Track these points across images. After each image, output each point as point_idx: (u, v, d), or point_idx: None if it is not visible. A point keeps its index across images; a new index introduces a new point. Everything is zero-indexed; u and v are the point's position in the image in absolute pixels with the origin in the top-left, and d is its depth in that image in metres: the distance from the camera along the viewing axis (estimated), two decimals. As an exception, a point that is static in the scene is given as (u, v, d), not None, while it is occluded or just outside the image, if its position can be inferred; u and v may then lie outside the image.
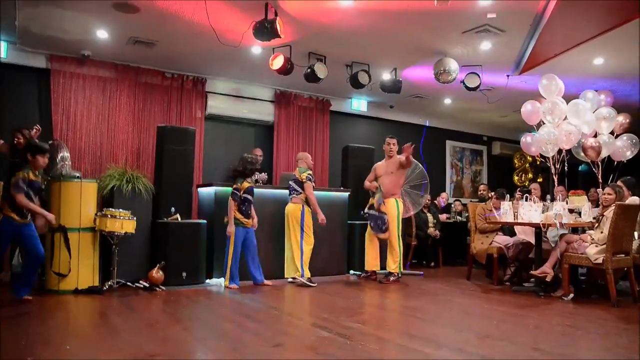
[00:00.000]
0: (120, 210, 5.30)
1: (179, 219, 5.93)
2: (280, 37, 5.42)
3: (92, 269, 5.26)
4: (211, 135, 8.06)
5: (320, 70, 6.71)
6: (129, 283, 5.46)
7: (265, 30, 5.32)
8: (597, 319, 4.39)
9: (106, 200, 5.73)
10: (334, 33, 6.08)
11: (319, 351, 3.21)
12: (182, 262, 5.75)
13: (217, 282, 5.96)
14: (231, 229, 5.68)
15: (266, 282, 5.95)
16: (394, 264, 6.38)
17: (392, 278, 6.36)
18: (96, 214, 5.25)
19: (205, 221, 6.11)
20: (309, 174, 6.11)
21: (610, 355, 3.32)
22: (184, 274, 5.75)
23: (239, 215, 5.75)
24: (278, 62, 6.45)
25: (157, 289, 5.39)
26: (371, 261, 6.61)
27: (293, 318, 4.41)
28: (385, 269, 6.54)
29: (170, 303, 4.82)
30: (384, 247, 6.56)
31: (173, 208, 6.00)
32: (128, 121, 7.22)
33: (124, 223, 5.25)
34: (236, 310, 4.70)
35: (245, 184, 5.82)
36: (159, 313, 4.46)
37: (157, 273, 5.47)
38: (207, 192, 6.49)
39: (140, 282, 5.52)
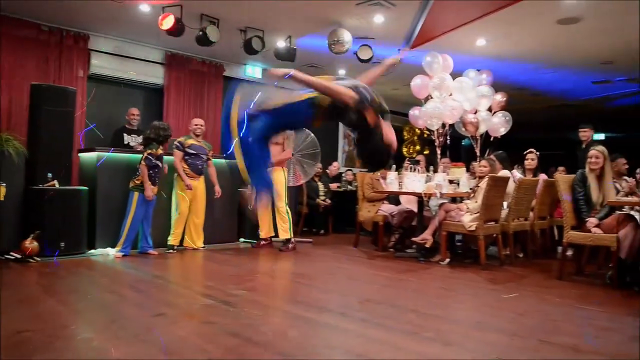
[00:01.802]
0: (-14, 175, 4.84)
1: (57, 186, 5.53)
2: (169, -5, 5.15)
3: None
4: (95, 97, 7.52)
5: (213, 33, 6.49)
6: (-3, 255, 5.04)
7: (153, -14, 5.02)
8: (469, 281, 4.75)
9: (-31, 165, 5.20)
10: (227, -5, 5.88)
11: (201, 319, 3.19)
12: (61, 232, 5.36)
13: (102, 252, 5.66)
14: (149, 192, 5.56)
15: (152, 251, 5.77)
16: (285, 231, 6.45)
17: (290, 245, 6.42)
18: (-43, 179, 4.76)
19: (86, 188, 5.75)
20: (178, 141, 6.08)
21: (477, 314, 3.62)
22: (62, 244, 5.37)
23: (147, 182, 5.57)
24: (168, 23, 6.15)
25: (31, 260, 5.02)
26: (265, 228, 6.64)
27: (178, 287, 4.32)
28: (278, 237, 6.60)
29: (45, 275, 4.51)
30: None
31: (50, 174, 5.55)
32: (-5, 77, 6.50)
33: (-10, 189, 4.80)
34: (119, 280, 4.52)
35: (159, 151, 5.66)
36: (32, 286, 4.16)
37: (31, 243, 5.07)
38: (89, 157, 6.10)
39: (12, 253, 5.10)
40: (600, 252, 5.28)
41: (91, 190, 5.77)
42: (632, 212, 4.80)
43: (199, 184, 6.15)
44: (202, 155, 6.12)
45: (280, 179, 6.48)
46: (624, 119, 12.17)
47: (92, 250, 5.69)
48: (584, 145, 6.75)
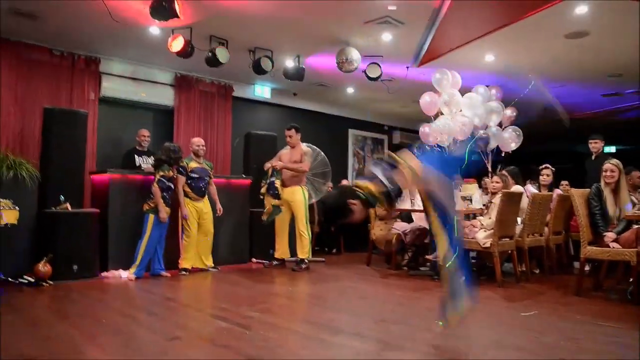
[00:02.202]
0: (0, 199, 4.86)
1: (69, 208, 5.55)
2: (179, 18, 5.21)
3: (-33, 265, 4.79)
4: (106, 119, 7.60)
5: (222, 54, 6.54)
6: (10, 279, 5.02)
7: (162, 9, 5.09)
8: (485, 298, 4.67)
9: (-17, 190, 5.23)
10: (236, 17, 5.93)
11: (216, 342, 3.14)
12: (73, 255, 5.37)
13: (115, 275, 5.64)
14: (163, 214, 5.60)
15: (164, 273, 5.75)
16: (304, 251, 6.41)
17: (303, 266, 6.38)
18: (-29, 204, 4.79)
19: (98, 210, 5.77)
20: (181, 166, 6.01)
21: (494, 333, 3.55)
22: (75, 267, 5.38)
23: (160, 204, 5.59)
24: (177, 44, 6.21)
25: (44, 284, 5.01)
26: (281, 249, 6.61)
27: (191, 309, 4.29)
28: (294, 256, 6.57)
29: (58, 299, 4.50)
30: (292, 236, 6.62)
31: (62, 196, 5.58)
32: (9, 102, 6.55)
33: (4, 213, 4.82)
34: (131, 303, 4.49)
35: (171, 173, 5.69)
36: (44, 310, 4.15)
37: (44, 267, 5.07)
38: (100, 179, 6.12)
39: (25, 277, 5.10)
40: (618, 267, 5.20)
41: (103, 212, 5.78)
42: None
43: (204, 205, 6.14)
44: (205, 178, 6.12)
45: (299, 198, 6.47)
46: (635, 130, 12.07)
47: (105, 273, 5.68)
48: (594, 157, 6.69)
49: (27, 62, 6.74)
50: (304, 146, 6.60)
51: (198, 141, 6.25)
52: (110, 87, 7.56)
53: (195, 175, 6.03)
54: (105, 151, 7.41)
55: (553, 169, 6.56)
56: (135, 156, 6.97)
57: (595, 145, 6.76)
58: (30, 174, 5.38)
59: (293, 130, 6.61)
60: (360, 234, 8.38)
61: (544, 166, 6.55)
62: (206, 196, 6.18)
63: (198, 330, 3.52)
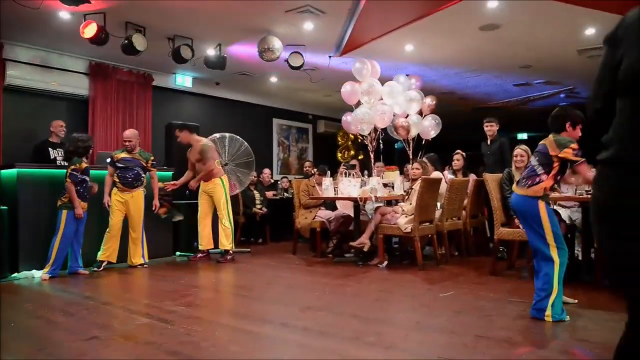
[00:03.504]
0: None
1: (-27, 206, 5.17)
2: (89, 3, 4.95)
3: None
4: (12, 110, 7.11)
5: (139, 42, 6.30)
6: None
7: (72, -7, 4.82)
8: (407, 282, 4.84)
9: None
10: (153, 3, 5.72)
11: (138, 339, 3.05)
12: (-21, 255, 5.03)
13: (27, 275, 5.32)
14: (79, 211, 5.31)
15: (82, 270, 5.50)
16: (227, 241, 6.35)
17: (228, 257, 6.32)
18: None
19: (6, 207, 5.40)
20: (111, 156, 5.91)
21: (417, 315, 3.68)
22: (-19, 269, 5.04)
23: (75, 200, 5.31)
24: (90, 31, 5.92)
25: (-55, 287, 4.66)
26: (204, 239, 6.51)
27: (111, 307, 4.12)
28: (218, 247, 6.49)
29: (-39, 303, 4.19)
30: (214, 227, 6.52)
31: (-36, 193, 5.21)
32: None
33: None
34: (46, 304, 4.26)
35: (83, 165, 5.38)
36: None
37: (-56, 269, 4.72)
38: (8, 173, 5.74)
39: None
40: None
41: (12, 209, 5.42)
42: (555, 207, 5.04)
43: (133, 197, 5.91)
44: (134, 168, 5.89)
45: (219, 189, 6.39)
46: (545, 119, 12.85)
47: (16, 274, 5.34)
48: (489, 141, 6.62)
49: None
50: (203, 142, 6.47)
51: (125, 135, 5.97)
52: (17, 75, 7.10)
53: (122, 165, 5.81)
54: (13, 144, 6.94)
55: (464, 154, 6.83)
56: (50, 149, 6.57)
57: (490, 128, 6.60)
58: None
59: (177, 131, 6.55)
60: (285, 224, 8.42)
61: (455, 152, 6.82)
62: (138, 189, 5.94)
63: (118, 328, 3.39)
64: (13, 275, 5.31)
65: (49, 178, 5.67)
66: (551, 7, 5.73)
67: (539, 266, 3.36)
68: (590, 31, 6.64)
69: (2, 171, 5.86)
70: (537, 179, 3.34)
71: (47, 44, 7.18)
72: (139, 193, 5.95)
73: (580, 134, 3.36)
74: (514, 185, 3.56)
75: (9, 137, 6.91)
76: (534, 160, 3.44)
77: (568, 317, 3.30)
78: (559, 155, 3.25)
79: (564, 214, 4.94)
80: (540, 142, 3.46)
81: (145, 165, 5.99)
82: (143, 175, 5.99)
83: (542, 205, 3.31)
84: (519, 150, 5.17)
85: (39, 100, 7.51)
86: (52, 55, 7.43)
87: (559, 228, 3.39)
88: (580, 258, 5.03)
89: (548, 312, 3.26)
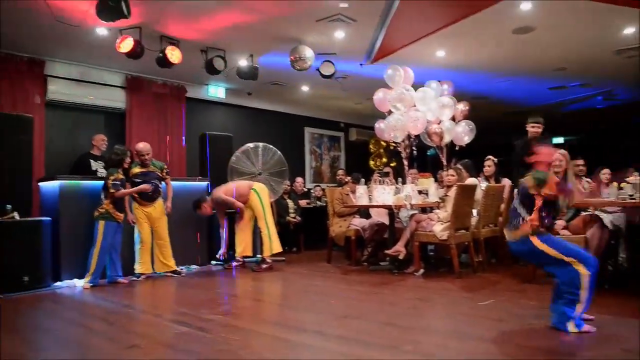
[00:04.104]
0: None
1: (17, 217, 5.33)
2: (127, 18, 5.06)
3: None
4: (53, 124, 7.33)
5: (173, 54, 6.42)
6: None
7: (109, 9, 4.92)
8: (443, 290, 4.77)
9: None
10: (186, 17, 5.83)
11: (176, 348, 3.09)
12: (23, 266, 5.15)
13: (69, 284, 5.47)
14: (131, 216, 5.61)
15: (121, 279, 5.62)
16: (267, 250, 6.41)
17: (264, 265, 6.35)
18: None
19: (49, 218, 5.56)
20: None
21: (455, 323, 3.62)
22: (26, 279, 5.17)
23: (111, 209, 5.43)
24: (126, 45, 6.06)
25: (-7, 297, 4.81)
26: (242, 246, 6.59)
27: (149, 315, 4.19)
28: (255, 255, 6.58)
29: (6, 312, 4.30)
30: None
31: (9, 205, 5.36)
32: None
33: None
34: (87, 313, 4.36)
35: (120, 175, 5.55)
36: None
37: (-9, 280, 4.87)
38: (50, 186, 5.91)
39: (-28, 291, 4.88)
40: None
41: (54, 220, 5.58)
42: (597, 213, 4.90)
43: (154, 210, 5.99)
44: (151, 182, 5.94)
45: (254, 199, 6.49)
46: (580, 122, 12.55)
47: (58, 283, 5.49)
48: None
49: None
50: (214, 196, 6.59)
51: (138, 148, 6.00)
52: (57, 91, 7.29)
53: (138, 180, 5.87)
54: (54, 157, 7.15)
55: (495, 159, 6.70)
56: (91, 161, 6.77)
57: (537, 129, 5.94)
58: (-26, 183, 5.14)
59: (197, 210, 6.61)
60: (319, 232, 8.42)
61: (486, 158, 6.71)
62: (158, 200, 6.04)
63: (157, 337, 3.44)
64: (55, 284, 5.46)
65: (90, 189, 5.82)
66: (587, 7, 5.60)
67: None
68: (629, 30, 6.46)
69: (45, 183, 6.04)
70: (520, 220, 3.26)
71: (85, 59, 7.38)
72: (160, 203, 6.06)
73: (548, 149, 3.32)
74: (505, 230, 3.48)
75: (50, 151, 7.12)
76: (515, 202, 3.38)
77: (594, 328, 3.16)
78: (541, 194, 3.17)
79: (606, 219, 4.79)
80: (520, 180, 3.37)
81: (160, 175, 6.07)
82: (160, 186, 6.07)
83: (535, 240, 3.22)
84: (557, 154, 5.04)
85: (78, 114, 7.71)
86: (90, 70, 7.64)
87: (565, 241, 3.29)
88: (625, 265, 4.86)
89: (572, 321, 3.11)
